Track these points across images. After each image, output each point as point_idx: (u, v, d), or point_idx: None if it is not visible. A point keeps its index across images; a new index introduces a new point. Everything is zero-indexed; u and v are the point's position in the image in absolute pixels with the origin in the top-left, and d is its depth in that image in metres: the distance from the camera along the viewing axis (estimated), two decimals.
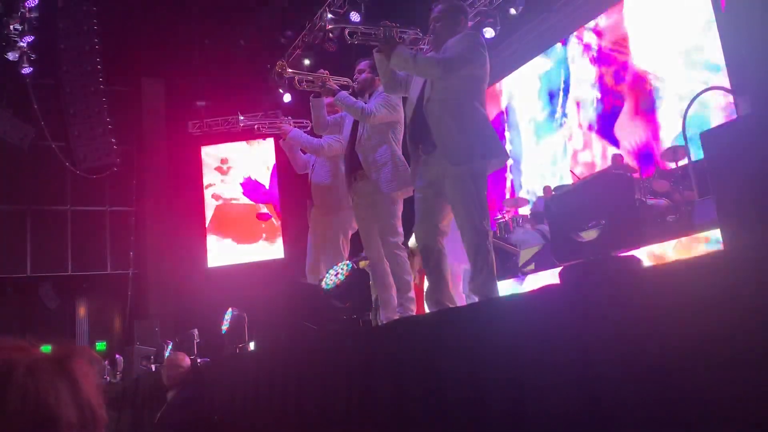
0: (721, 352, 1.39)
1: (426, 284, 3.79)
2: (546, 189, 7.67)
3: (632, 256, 1.69)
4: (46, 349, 0.88)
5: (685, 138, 5.83)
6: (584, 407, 1.60)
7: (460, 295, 3.95)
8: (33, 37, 9.26)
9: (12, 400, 0.76)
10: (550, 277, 5.32)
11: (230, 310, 4.47)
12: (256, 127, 5.11)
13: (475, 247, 3.08)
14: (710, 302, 1.42)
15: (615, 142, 7.87)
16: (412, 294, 3.83)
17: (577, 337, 1.61)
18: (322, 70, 4.15)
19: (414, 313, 3.79)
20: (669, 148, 6.64)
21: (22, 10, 8.95)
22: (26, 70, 9.57)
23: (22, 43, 9.22)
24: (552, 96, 8.90)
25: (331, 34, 9.09)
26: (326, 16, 3.48)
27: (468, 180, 3.11)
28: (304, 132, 4.74)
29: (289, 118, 4.76)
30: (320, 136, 4.54)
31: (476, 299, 3.16)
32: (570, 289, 1.72)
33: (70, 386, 0.81)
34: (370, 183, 3.90)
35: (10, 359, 0.79)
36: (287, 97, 10.29)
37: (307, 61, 9.92)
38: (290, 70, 4.27)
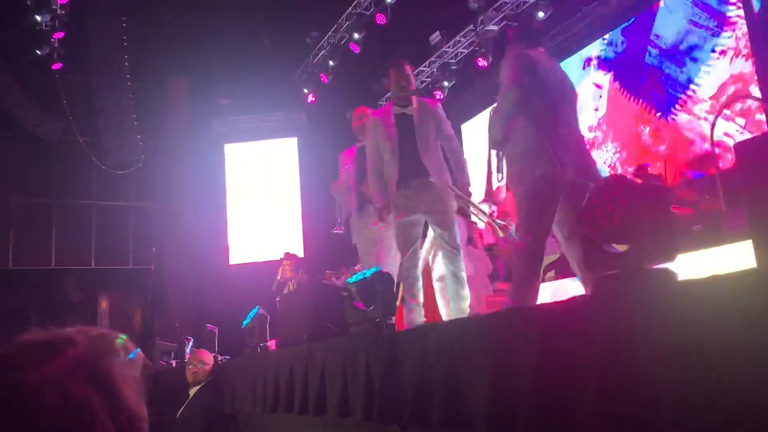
0: (756, 367, 1.37)
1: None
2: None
3: (666, 269, 1.67)
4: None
5: (713, 146, 5.76)
6: (614, 421, 1.58)
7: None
8: (63, 34, 9.41)
9: (45, 426, 0.72)
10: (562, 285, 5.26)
11: (257, 307, 4.50)
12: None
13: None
14: (745, 317, 1.41)
15: None
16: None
17: (608, 349, 1.59)
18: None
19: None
20: (695, 156, 6.55)
21: (53, 6, 9.09)
22: (56, 65, 9.74)
23: (52, 39, 9.37)
24: None
25: (357, 34, 9.12)
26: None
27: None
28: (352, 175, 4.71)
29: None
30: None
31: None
32: (603, 300, 1.71)
33: (107, 396, 0.78)
34: (424, 190, 3.86)
35: (42, 378, 0.74)
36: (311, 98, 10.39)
37: (331, 63, 9.98)
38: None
